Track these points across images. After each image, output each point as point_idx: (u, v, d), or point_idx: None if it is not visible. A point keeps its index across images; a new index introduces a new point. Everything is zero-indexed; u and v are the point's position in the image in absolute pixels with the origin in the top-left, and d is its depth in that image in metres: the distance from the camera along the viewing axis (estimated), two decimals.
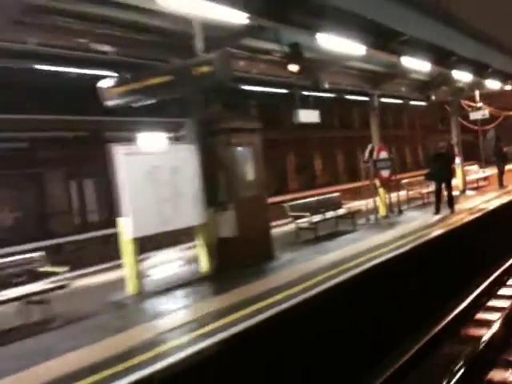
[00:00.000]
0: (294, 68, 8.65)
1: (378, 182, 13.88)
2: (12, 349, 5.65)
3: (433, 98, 16.74)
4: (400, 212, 14.69)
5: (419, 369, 6.68)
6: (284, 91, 12.43)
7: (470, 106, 21.36)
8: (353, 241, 10.85)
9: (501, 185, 19.11)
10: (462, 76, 15.49)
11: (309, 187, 29.41)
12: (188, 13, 6.91)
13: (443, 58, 13.32)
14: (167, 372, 4.63)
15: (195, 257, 9.31)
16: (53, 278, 6.79)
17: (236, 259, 8.77)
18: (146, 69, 7.89)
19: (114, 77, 8.10)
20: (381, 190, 14.04)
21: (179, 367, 4.75)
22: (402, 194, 15.70)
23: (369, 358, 6.66)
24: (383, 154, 13.98)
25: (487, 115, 20.99)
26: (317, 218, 11.47)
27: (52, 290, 6.45)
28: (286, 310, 6.31)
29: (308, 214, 11.22)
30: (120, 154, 7.44)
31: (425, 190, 16.55)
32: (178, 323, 6.05)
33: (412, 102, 20.09)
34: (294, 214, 11.20)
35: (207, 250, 8.76)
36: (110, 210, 16.43)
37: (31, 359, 5.15)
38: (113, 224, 8.17)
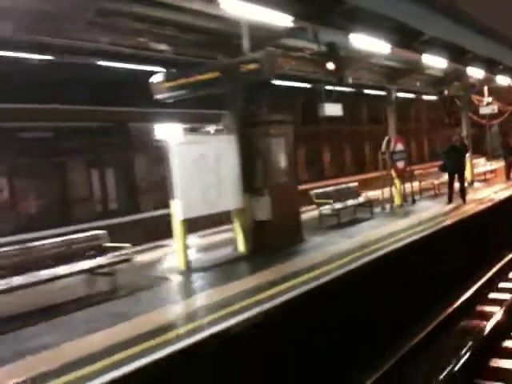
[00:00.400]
0: (331, 66, 9.41)
1: (393, 173, 14.65)
2: (93, 312, 6.46)
3: (445, 92, 17.49)
4: (413, 201, 15.46)
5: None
6: (306, 86, 13.16)
7: (478, 101, 22.08)
8: (373, 227, 11.63)
9: (508, 177, 19.87)
10: (475, 72, 16.23)
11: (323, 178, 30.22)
12: (239, 16, 7.66)
13: (459, 55, 14.04)
14: (244, 323, 5.47)
15: (231, 239, 10.12)
16: (116, 253, 7.57)
17: (270, 241, 9.56)
18: (194, 66, 8.63)
19: (164, 72, 8.85)
20: (396, 181, 14.81)
21: (260, 318, 5.59)
22: (415, 184, 16.46)
23: (395, 329, 7.47)
24: (399, 146, 14.73)
25: (496, 110, 21.76)
26: (339, 205, 12.26)
27: (119, 262, 7.26)
28: (325, 282, 7.13)
29: (331, 201, 12.01)
30: (174, 143, 8.22)
31: (436, 182, 17.31)
32: (234, 291, 6.85)
33: (423, 97, 20.79)
34: (318, 201, 11.98)
35: (244, 232, 9.54)
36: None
37: (114, 320, 5.97)
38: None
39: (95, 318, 6.16)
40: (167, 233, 9.13)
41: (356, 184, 14.14)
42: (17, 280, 6.25)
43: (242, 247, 9.58)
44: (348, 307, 7.17)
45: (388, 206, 14.50)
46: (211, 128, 23.28)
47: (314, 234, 10.94)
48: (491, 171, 22.64)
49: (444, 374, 5.79)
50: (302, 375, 6.01)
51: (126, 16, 7.11)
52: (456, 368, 5.86)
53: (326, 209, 12.05)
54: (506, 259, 11.15)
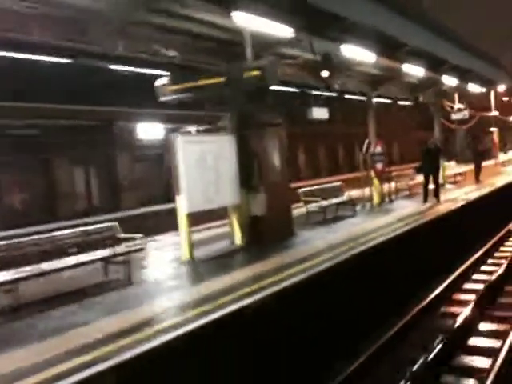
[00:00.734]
0: (325, 74, 10.17)
1: (373, 174, 15.56)
2: (116, 295, 7.07)
3: (421, 99, 18.51)
4: (391, 201, 16.39)
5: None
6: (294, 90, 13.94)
7: (450, 107, 23.23)
8: (357, 223, 12.45)
9: (477, 179, 21.03)
10: (449, 80, 17.29)
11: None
12: (244, 26, 8.36)
13: (436, 65, 15.02)
14: (258, 302, 6.16)
15: (225, 233, 10.80)
16: (128, 243, 8.17)
17: (264, 235, 10.27)
18: (199, 71, 9.29)
19: (169, 76, 9.48)
20: (375, 181, 15.72)
21: (269, 299, 6.29)
22: (392, 185, 17.38)
23: (385, 311, 8.25)
24: (378, 149, 15.63)
25: (467, 116, 22.96)
26: (325, 203, 13.06)
27: (134, 251, 7.86)
28: (320, 271, 7.86)
29: (319, 199, 12.80)
30: (180, 141, 8.86)
31: (411, 183, 18.30)
32: (239, 278, 7.53)
33: (397, 102, 21.80)
34: (306, 199, 12.75)
35: (241, 226, 10.23)
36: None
37: (143, 300, 6.61)
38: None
39: (121, 299, 6.78)
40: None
41: (340, 183, 14.97)
42: (46, 265, 6.81)
43: (238, 240, 10.26)
44: (336, 296, 7.91)
45: (368, 205, 15.40)
46: (192, 128, 24.35)
47: (302, 229, 11.69)
48: (461, 174, 23.81)
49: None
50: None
51: (140, 25, 7.74)
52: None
53: (313, 206, 12.83)
54: (479, 254, 12.13)
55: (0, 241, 6.85)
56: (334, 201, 13.63)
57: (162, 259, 9.46)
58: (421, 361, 6.24)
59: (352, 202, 14.35)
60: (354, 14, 10.10)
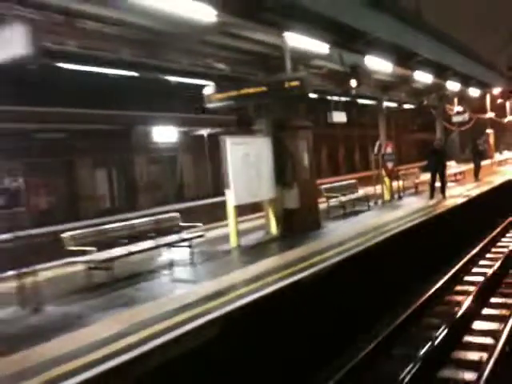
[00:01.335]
0: (354, 83, 11.53)
1: (384, 172, 16.92)
2: (191, 270, 8.38)
3: (425, 102, 19.94)
4: (400, 197, 17.76)
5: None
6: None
7: (450, 110, 24.66)
8: (373, 216, 13.81)
9: (476, 178, 22.45)
10: (453, 85, 18.71)
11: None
12: (285, 43, 9.70)
13: (441, 71, 16.43)
14: (310, 276, 7.47)
15: (258, 225, 12.13)
16: (191, 230, 9.47)
17: (296, 226, 11.60)
18: (243, 81, 10.61)
19: (214, 85, 10.79)
20: (386, 179, 17.08)
21: (318, 273, 7.60)
22: (400, 183, 18.73)
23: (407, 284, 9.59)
24: (389, 150, 17.00)
25: (467, 118, 24.41)
26: (344, 198, 14.41)
27: (196, 237, 9.17)
28: (354, 253, 9.19)
29: (339, 195, 14.15)
30: (228, 142, 10.17)
31: (417, 181, 19.68)
32: (288, 259, 8.83)
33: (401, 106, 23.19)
34: (328, 194, 14.09)
35: (276, 218, 11.54)
36: None
37: (209, 276, 7.90)
38: None
39: (195, 274, 8.10)
40: None
41: (355, 181, 16.32)
42: (133, 247, 8.12)
43: (274, 230, 11.57)
44: (370, 272, 9.24)
45: (379, 201, 16.75)
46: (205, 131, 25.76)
47: (327, 222, 13.02)
48: (461, 173, 25.24)
49: None
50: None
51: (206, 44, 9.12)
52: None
53: (334, 201, 14.18)
54: (482, 244, 13.49)
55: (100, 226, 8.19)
56: (352, 197, 14.99)
57: (211, 246, 10.73)
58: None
59: (366, 198, 15.71)
60: (374, 29, 11.46)
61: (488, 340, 7.23)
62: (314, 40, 9.54)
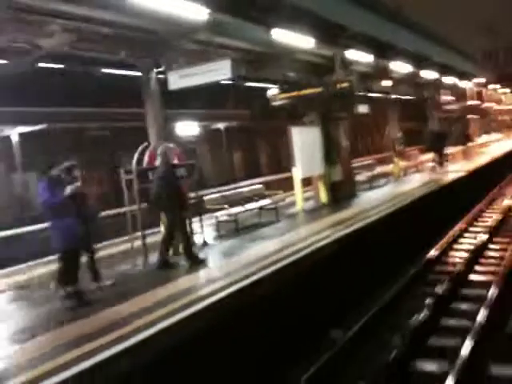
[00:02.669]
0: (388, 83, 14.90)
1: (394, 154, 20.41)
2: (281, 225, 11.68)
3: (425, 94, 23.52)
4: (405, 174, 21.27)
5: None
6: None
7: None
8: (393, 187, 17.28)
9: (465, 157, 26.15)
10: (449, 79, 22.29)
11: None
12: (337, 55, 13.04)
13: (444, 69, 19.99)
14: (365, 226, 10.84)
15: (308, 196, 15.46)
16: (273, 198, 12.78)
17: (340, 195, 14.96)
18: (301, 83, 13.92)
19: (278, 87, 14.07)
20: (396, 159, 20.56)
21: (371, 224, 10.96)
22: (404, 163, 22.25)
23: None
24: (398, 135, 20.50)
25: (456, 107, 28.09)
26: (369, 174, 17.87)
27: (277, 202, 12.50)
28: (391, 211, 12.56)
29: (364, 171, 17.59)
30: (294, 131, 13.49)
31: (418, 161, 23.26)
32: (344, 216, 12.17)
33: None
34: (356, 172, 17.51)
35: (325, 189, 14.88)
36: None
37: (298, 226, 11.22)
38: None
39: (285, 227, 11.42)
40: None
41: (373, 161, 19.79)
42: (245, 207, 11.43)
43: (324, 199, 14.92)
44: (403, 225, 12.62)
45: (391, 178, 20.24)
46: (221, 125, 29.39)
47: (358, 192, 16.44)
48: (451, 153, 28.96)
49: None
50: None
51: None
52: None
53: (361, 177, 17.62)
54: (480, 206, 17.08)
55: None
56: (374, 173, 18.47)
57: (288, 208, 13.96)
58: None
59: (383, 175, 19.21)
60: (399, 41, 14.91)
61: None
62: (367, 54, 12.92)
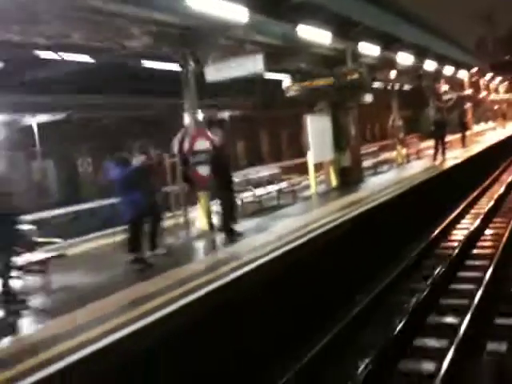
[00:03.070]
0: (393, 74, 15.88)
1: (397, 141, 21.46)
2: (297, 206, 12.71)
3: (423, 84, 24.55)
4: (408, 161, 22.33)
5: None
6: None
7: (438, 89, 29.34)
8: (397, 173, 18.35)
9: (463, 145, 27.21)
10: (449, 70, 23.34)
11: None
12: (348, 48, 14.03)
13: (442, 60, 20.98)
14: (377, 205, 11.90)
15: (321, 180, 16.50)
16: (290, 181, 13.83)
17: (348, 179, 16.01)
18: (313, 74, 14.90)
19: (292, 78, 15.05)
20: (399, 146, 21.62)
21: (384, 203, 12.02)
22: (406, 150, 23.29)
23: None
24: (400, 123, 21.53)
25: (454, 96, 29.15)
26: (374, 160, 18.93)
27: (293, 185, 13.54)
28: (399, 193, 13.62)
29: (370, 158, 18.65)
30: (309, 119, 14.50)
31: (418, 148, 24.33)
32: (359, 196, 13.21)
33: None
34: (362, 158, 18.55)
35: (336, 173, 15.92)
36: None
37: (316, 206, 12.27)
38: None
39: (303, 207, 12.45)
40: None
41: (377, 149, 20.85)
42: (267, 189, 12.47)
43: (334, 183, 15.95)
44: (410, 204, 13.68)
45: (394, 164, 21.29)
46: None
47: (365, 177, 17.49)
48: (450, 141, 30.03)
49: None
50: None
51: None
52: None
53: (369, 163, 18.69)
54: (477, 191, 18.18)
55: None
56: (379, 159, 19.53)
57: (302, 191, 15.00)
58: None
59: (386, 161, 20.28)
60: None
61: None
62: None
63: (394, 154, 21.52)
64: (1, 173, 8.02)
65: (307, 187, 15.18)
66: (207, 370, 5.71)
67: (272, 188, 12.93)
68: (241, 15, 8.52)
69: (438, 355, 6.25)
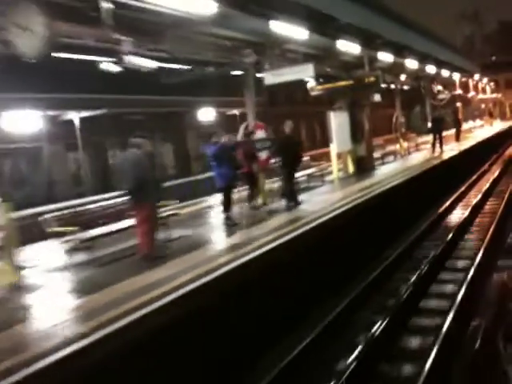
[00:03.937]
0: (403, 77, 18.47)
1: (400, 135, 24.11)
2: (326, 187, 15.25)
3: (422, 84, 27.30)
4: (409, 153, 24.98)
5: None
6: None
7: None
8: (402, 163, 20.96)
9: (457, 139, 29.95)
10: (445, 72, 26.09)
11: None
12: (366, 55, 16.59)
13: (440, 64, 23.69)
14: (390, 188, 14.50)
15: (339, 168, 19.06)
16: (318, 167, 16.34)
17: (363, 167, 18.60)
18: (334, 77, 17.44)
19: (316, 81, 17.57)
20: (401, 140, 24.27)
21: (397, 186, 14.62)
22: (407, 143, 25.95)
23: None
24: (402, 119, 24.19)
25: (448, 96, 31.96)
26: (382, 152, 21.54)
27: (323, 170, 16.06)
28: (406, 179, 16.19)
29: (377, 150, 21.26)
30: (332, 115, 17.05)
31: (418, 142, 27.03)
32: (373, 181, 15.77)
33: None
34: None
35: (353, 162, 18.49)
36: None
37: (340, 188, 14.82)
38: None
39: (331, 188, 14.97)
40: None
41: (382, 142, 23.48)
42: (305, 172, 14.98)
43: (351, 170, 18.52)
44: (418, 188, 16.25)
45: (397, 156, 23.94)
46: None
47: (376, 166, 20.09)
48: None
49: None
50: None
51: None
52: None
53: (378, 153, 21.30)
54: (471, 180, 20.84)
55: None
56: (385, 151, 22.17)
57: (323, 178, 17.55)
58: None
59: (390, 153, 22.94)
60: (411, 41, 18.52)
61: None
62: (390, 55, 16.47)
63: (397, 146, 24.17)
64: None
65: (329, 173, 17.74)
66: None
67: (307, 172, 15.48)
68: (300, 33, 11.03)
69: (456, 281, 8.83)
